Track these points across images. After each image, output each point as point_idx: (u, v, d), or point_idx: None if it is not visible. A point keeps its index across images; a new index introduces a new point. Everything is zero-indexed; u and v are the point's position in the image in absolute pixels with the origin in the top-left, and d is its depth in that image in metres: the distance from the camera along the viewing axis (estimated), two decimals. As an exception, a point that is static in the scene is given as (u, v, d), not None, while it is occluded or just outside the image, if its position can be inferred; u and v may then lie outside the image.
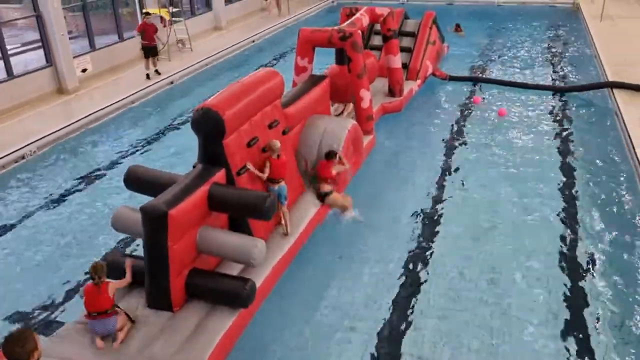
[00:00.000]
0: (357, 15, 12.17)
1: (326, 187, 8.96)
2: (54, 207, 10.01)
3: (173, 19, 18.70)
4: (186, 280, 6.49)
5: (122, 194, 9.77)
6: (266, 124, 8.14)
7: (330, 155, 8.89)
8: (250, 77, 8.14)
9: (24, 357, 3.84)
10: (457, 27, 21.51)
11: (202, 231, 6.61)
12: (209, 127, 7.08)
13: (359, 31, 11.11)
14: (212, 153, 7.23)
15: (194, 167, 7.55)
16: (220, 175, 7.00)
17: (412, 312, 7.10)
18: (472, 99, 14.39)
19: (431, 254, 8.27)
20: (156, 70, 16.37)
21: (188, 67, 17.39)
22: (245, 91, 7.64)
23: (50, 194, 10.44)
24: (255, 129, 7.82)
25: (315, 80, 10.48)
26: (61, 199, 10.30)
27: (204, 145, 7.29)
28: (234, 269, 7.15)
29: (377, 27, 14.45)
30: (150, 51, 16.23)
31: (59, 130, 12.62)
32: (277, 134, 8.41)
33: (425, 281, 7.69)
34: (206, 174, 6.88)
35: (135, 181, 7.38)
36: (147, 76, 16.13)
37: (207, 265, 6.88)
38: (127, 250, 8.47)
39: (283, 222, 8.06)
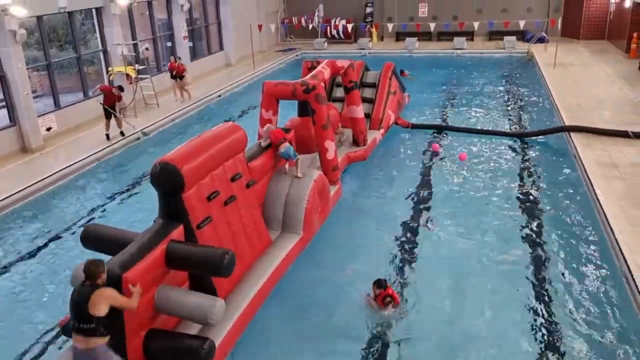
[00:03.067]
0: (319, 68, 12.41)
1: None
2: (16, 268, 9.76)
3: (139, 76, 18.84)
4: (144, 342, 6.29)
5: (87, 255, 9.60)
6: (228, 177, 8.16)
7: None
8: (211, 132, 8.21)
9: (94, 273, 5.63)
10: (402, 72, 22.01)
11: (159, 290, 6.44)
12: (167, 181, 7.04)
13: (322, 83, 11.34)
14: (171, 207, 7.17)
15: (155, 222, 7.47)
16: (178, 232, 6.90)
17: None
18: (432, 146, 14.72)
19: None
20: (121, 132, 15.98)
21: (155, 123, 17.42)
22: (205, 145, 7.68)
23: (12, 256, 10.18)
24: (216, 182, 7.82)
25: None
26: (24, 260, 10.04)
27: (164, 199, 7.23)
28: (196, 326, 7.00)
29: (338, 79, 14.83)
30: (110, 113, 15.72)
31: (21, 190, 12.40)
32: (240, 187, 8.43)
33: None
34: (164, 231, 6.77)
35: (93, 240, 7.21)
36: (107, 137, 15.74)
37: (167, 324, 6.71)
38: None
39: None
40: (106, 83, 18.48)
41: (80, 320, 5.55)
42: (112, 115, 15.79)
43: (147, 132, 16.58)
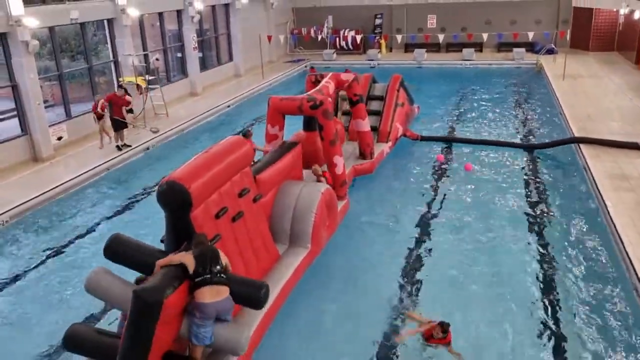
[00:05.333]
0: (323, 82, 12.31)
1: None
2: (25, 278, 9.81)
3: (149, 86, 18.99)
4: None
5: (96, 263, 9.67)
6: (236, 192, 8.02)
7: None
8: (218, 146, 8.05)
9: (207, 239, 6.77)
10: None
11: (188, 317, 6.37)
12: (174, 200, 6.84)
13: (329, 99, 11.28)
14: (179, 227, 7.00)
15: (162, 241, 7.42)
16: None
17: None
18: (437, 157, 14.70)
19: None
20: (124, 144, 15.94)
21: (164, 133, 17.53)
22: (213, 161, 7.48)
23: (22, 264, 10.25)
24: (224, 198, 7.67)
25: (287, 146, 10.53)
26: (32, 269, 10.10)
27: (171, 219, 7.06)
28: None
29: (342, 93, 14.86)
30: (120, 125, 15.77)
31: (32, 199, 12.49)
32: (248, 202, 8.31)
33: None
34: None
35: (116, 251, 6.95)
36: (118, 147, 15.79)
37: (180, 346, 6.60)
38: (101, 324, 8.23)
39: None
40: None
41: (220, 271, 6.36)
42: (123, 125, 15.86)
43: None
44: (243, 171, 8.31)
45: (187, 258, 6.34)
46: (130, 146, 16.00)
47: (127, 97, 16.36)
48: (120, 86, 16.50)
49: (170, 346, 6.34)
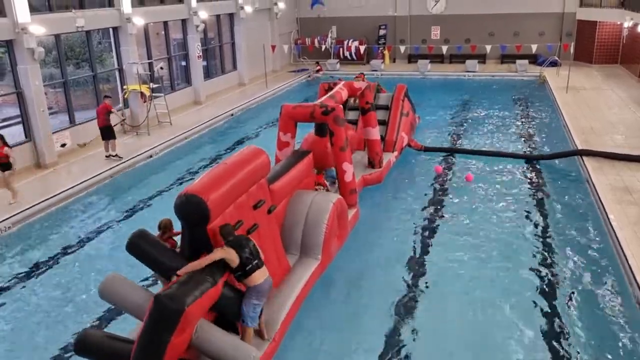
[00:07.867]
0: (336, 89, 12.39)
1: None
2: (27, 284, 9.79)
3: (153, 94, 19.05)
4: None
5: (97, 270, 9.74)
6: (251, 204, 7.94)
7: None
8: (235, 157, 7.95)
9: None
10: (360, 76, 19.43)
11: (200, 325, 6.31)
12: (192, 213, 6.83)
13: (340, 105, 11.27)
14: (195, 239, 7.01)
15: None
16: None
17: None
18: (434, 168, 14.63)
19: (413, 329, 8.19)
20: (116, 155, 15.72)
21: (168, 141, 17.56)
22: (230, 173, 7.41)
23: (23, 271, 10.23)
24: (240, 211, 7.60)
25: (299, 155, 10.52)
26: (34, 275, 10.08)
27: (188, 231, 7.06)
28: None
29: (350, 102, 14.91)
30: (103, 132, 15.70)
31: (34, 205, 12.50)
32: (262, 213, 8.23)
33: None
34: (221, 271, 6.72)
35: (139, 246, 6.93)
36: (113, 157, 15.66)
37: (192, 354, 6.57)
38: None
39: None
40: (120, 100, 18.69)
41: (258, 252, 7.03)
42: (107, 137, 15.66)
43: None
44: (259, 183, 8.19)
45: (228, 252, 6.69)
46: (121, 158, 15.71)
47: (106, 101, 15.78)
48: (106, 96, 16.27)
49: (184, 354, 6.30)
